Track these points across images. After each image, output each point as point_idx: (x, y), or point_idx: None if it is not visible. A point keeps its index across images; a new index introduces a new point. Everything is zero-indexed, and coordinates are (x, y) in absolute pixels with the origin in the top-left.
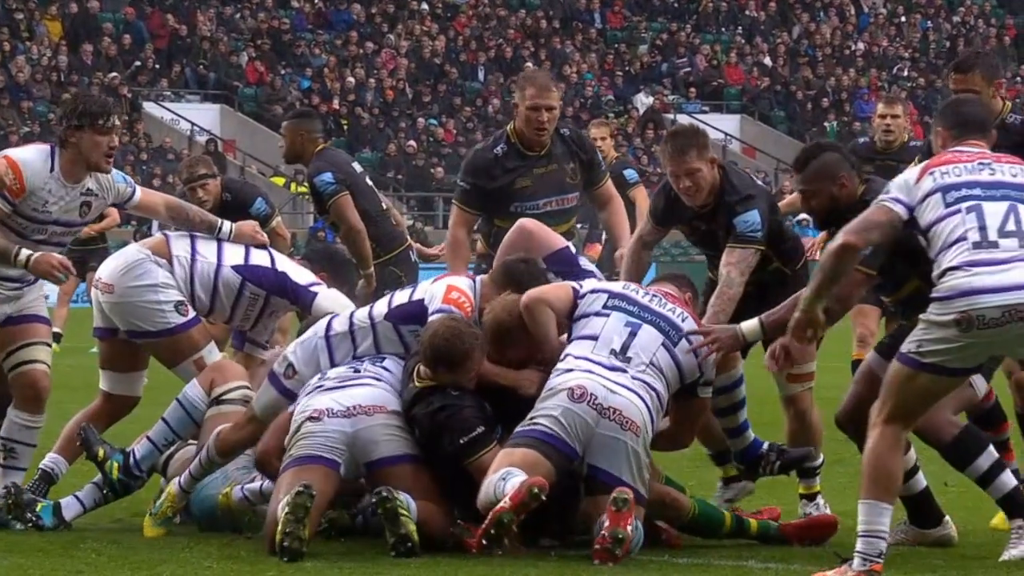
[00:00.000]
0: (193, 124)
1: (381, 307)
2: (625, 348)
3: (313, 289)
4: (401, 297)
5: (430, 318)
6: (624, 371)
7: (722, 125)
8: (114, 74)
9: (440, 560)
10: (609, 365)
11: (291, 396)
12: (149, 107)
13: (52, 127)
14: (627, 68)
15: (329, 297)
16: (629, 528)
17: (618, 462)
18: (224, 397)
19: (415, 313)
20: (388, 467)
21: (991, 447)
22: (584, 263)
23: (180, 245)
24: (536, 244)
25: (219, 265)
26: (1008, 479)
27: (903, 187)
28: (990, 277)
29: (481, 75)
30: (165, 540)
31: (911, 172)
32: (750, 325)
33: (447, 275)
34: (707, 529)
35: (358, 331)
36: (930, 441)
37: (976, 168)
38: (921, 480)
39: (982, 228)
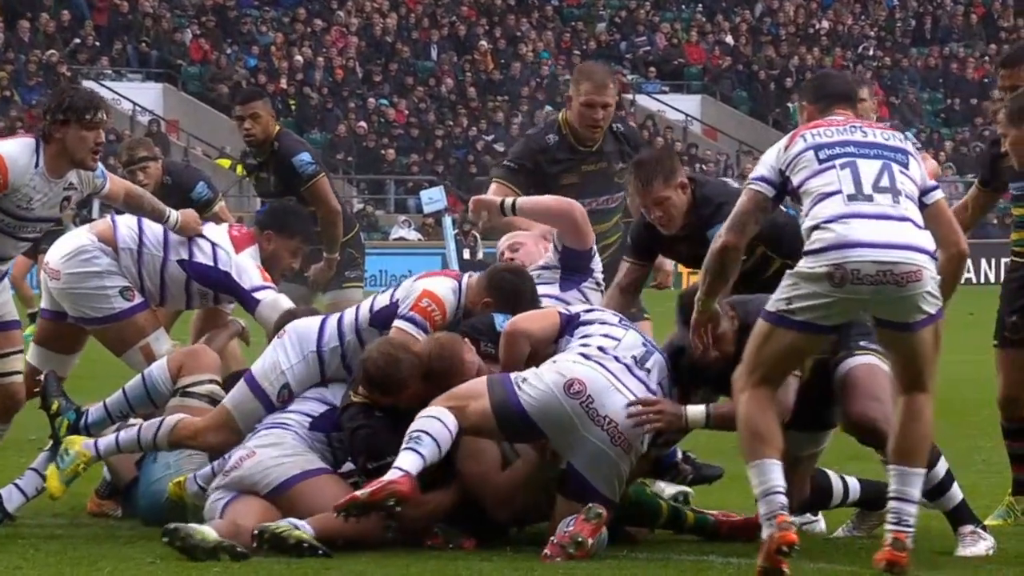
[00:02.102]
0: (135, 104)
1: (363, 314)
2: (644, 360)
3: (257, 296)
4: (382, 300)
5: (395, 322)
6: (642, 380)
7: (682, 106)
8: (52, 52)
9: (390, 555)
10: (628, 365)
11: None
12: (89, 86)
13: None
14: (584, 47)
15: (271, 306)
16: (591, 540)
17: (599, 472)
18: (190, 389)
19: (395, 315)
20: (285, 492)
21: (943, 458)
22: (596, 263)
23: (127, 234)
24: (567, 232)
25: (165, 259)
26: (957, 491)
27: (771, 158)
28: (864, 229)
29: (434, 54)
30: (106, 534)
31: (782, 139)
32: (696, 411)
33: (433, 275)
34: (644, 518)
35: (349, 343)
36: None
37: (848, 129)
38: (853, 484)
39: (856, 183)
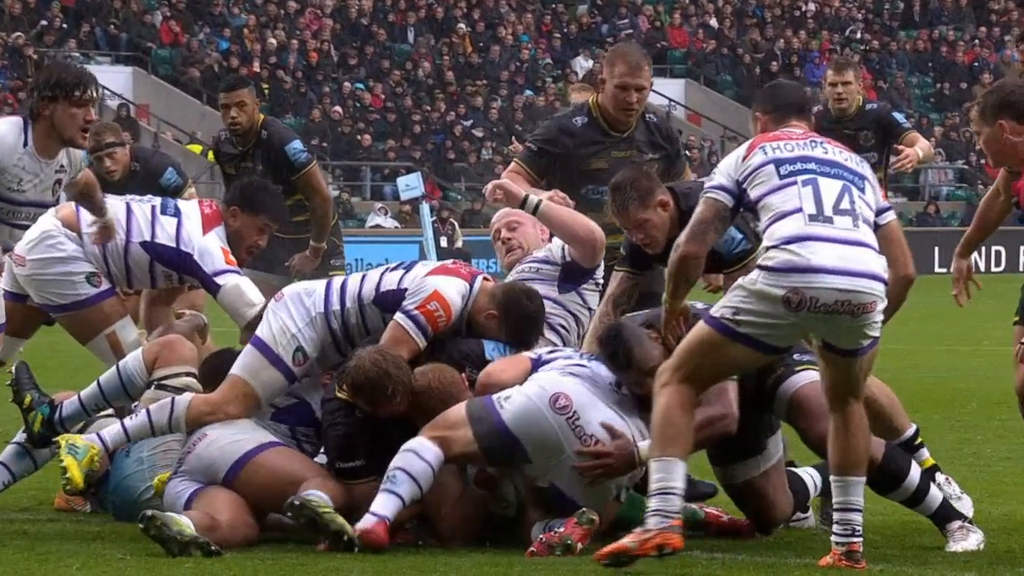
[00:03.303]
0: (104, 88)
1: (369, 288)
2: (619, 383)
3: (219, 280)
4: (390, 280)
5: (397, 315)
6: (622, 402)
7: (666, 90)
8: (18, 34)
9: (366, 551)
10: (609, 392)
11: (295, 379)
12: None
13: None
14: (565, 30)
15: (233, 292)
16: (581, 545)
17: (583, 489)
18: (164, 382)
19: (401, 302)
20: (244, 467)
21: (914, 462)
22: (601, 274)
23: (90, 218)
24: (582, 255)
25: (128, 241)
26: (936, 492)
27: (729, 167)
28: (826, 253)
29: (411, 37)
30: (75, 530)
31: (740, 149)
32: (647, 447)
33: (448, 272)
34: (628, 522)
35: (349, 311)
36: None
37: (808, 144)
38: (815, 475)
39: (818, 202)
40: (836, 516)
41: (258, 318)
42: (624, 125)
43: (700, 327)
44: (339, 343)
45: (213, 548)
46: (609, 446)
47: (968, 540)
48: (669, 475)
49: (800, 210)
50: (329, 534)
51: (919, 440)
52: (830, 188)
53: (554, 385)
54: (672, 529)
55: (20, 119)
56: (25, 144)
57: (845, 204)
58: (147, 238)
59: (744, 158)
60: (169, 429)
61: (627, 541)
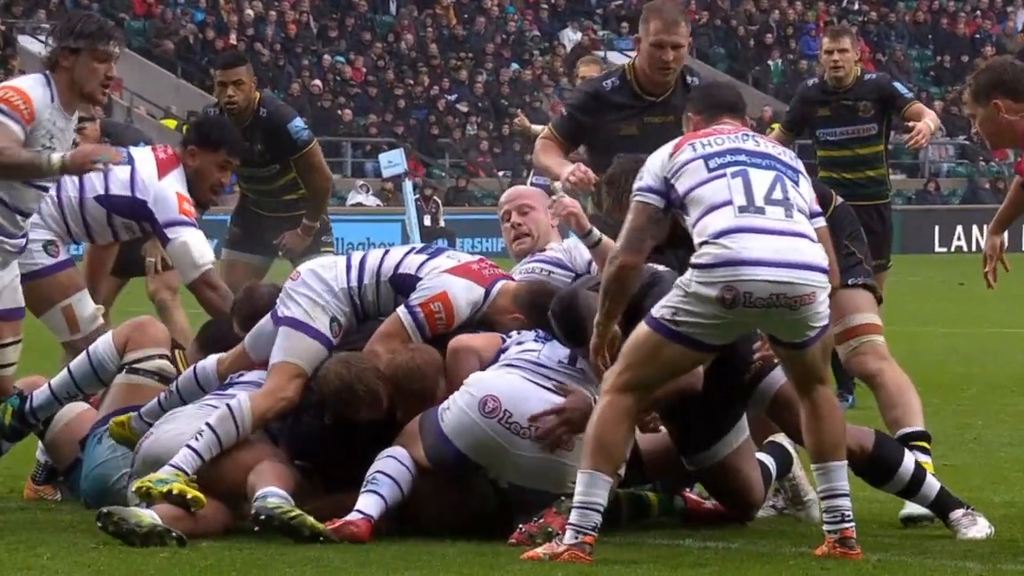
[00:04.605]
0: None
1: (389, 265)
2: (573, 359)
3: (169, 233)
4: (411, 264)
5: (398, 308)
6: (578, 372)
7: None
8: None
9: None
10: (554, 367)
11: (333, 348)
12: (25, 41)
13: None
14: (553, 1)
15: (181, 249)
16: (561, 534)
17: (547, 480)
18: (136, 366)
19: (412, 289)
20: None
21: (906, 449)
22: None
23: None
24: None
25: (82, 198)
26: (933, 480)
27: (655, 166)
28: (757, 245)
29: (393, 8)
30: (46, 519)
31: (667, 146)
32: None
33: (468, 274)
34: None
35: (366, 287)
36: (852, 456)
37: (740, 138)
38: (770, 460)
39: (748, 193)
40: (824, 504)
41: (205, 280)
42: (660, 88)
43: (641, 327)
44: (359, 319)
45: (175, 535)
46: (563, 402)
47: (978, 524)
48: (592, 490)
49: (730, 202)
50: (303, 538)
51: (922, 443)
52: (761, 178)
53: (484, 387)
54: (582, 546)
55: (40, 75)
56: (52, 99)
57: (777, 194)
58: (101, 192)
59: (672, 155)
60: (238, 438)
61: (541, 551)
